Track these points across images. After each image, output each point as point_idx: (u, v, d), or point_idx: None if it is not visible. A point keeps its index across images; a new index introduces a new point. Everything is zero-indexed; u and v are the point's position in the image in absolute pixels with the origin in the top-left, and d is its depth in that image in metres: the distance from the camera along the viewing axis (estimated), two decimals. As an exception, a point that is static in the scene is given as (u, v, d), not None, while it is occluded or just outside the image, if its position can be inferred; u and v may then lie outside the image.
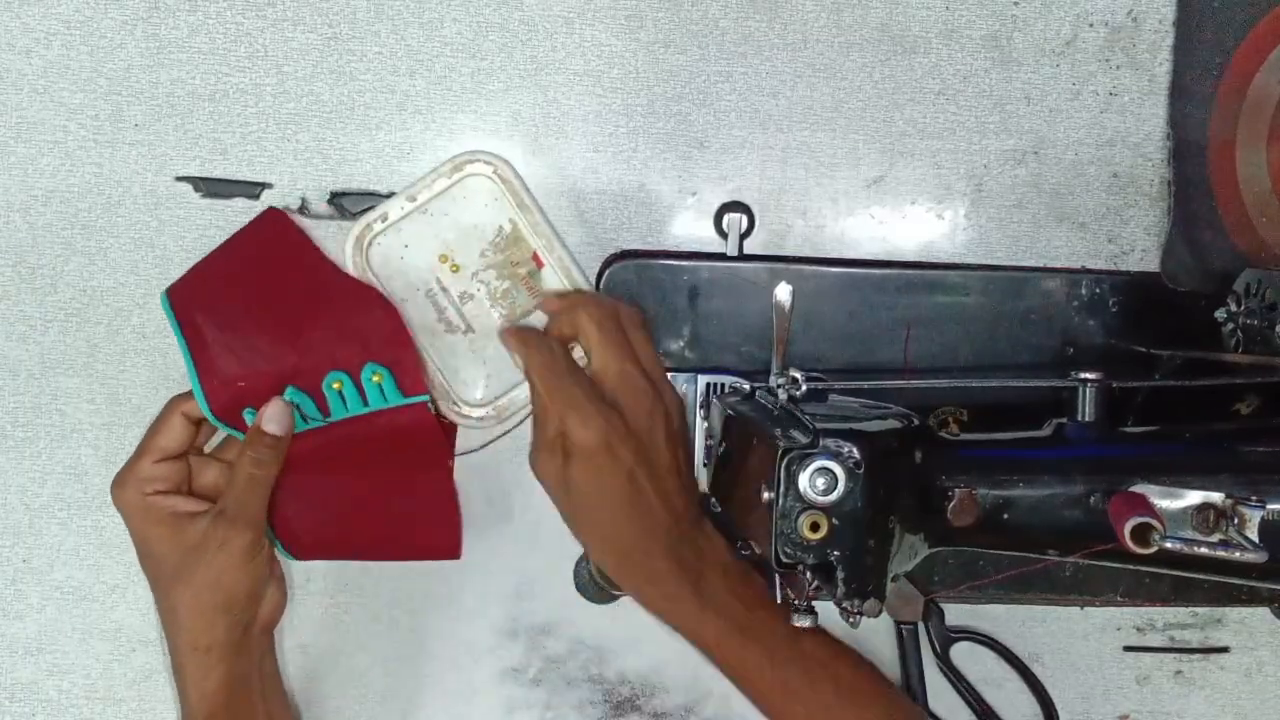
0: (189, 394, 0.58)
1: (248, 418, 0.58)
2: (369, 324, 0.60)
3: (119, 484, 0.58)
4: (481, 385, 0.63)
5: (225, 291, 0.60)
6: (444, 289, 0.63)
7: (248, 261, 0.61)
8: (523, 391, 0.63)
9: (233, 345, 0.59)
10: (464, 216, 0.62)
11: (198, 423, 0.59)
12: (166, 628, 0.58)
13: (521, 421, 0.64)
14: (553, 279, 0.63)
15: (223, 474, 0.60)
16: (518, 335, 0.60)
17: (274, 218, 0.62)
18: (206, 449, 0.62)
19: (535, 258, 0.63)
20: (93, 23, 0.61)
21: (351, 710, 0.66)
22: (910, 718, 0.63)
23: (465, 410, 0.63)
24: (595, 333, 0.58)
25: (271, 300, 0.60)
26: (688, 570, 0.58)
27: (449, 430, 0.63)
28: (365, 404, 0.59)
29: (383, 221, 0.62)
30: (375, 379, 0.59)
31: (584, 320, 0.58)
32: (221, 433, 0.61)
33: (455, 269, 0.63)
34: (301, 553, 0.62)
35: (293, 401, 0.58)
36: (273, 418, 0.58)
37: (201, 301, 0.60)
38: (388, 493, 0.61)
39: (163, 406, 0.59)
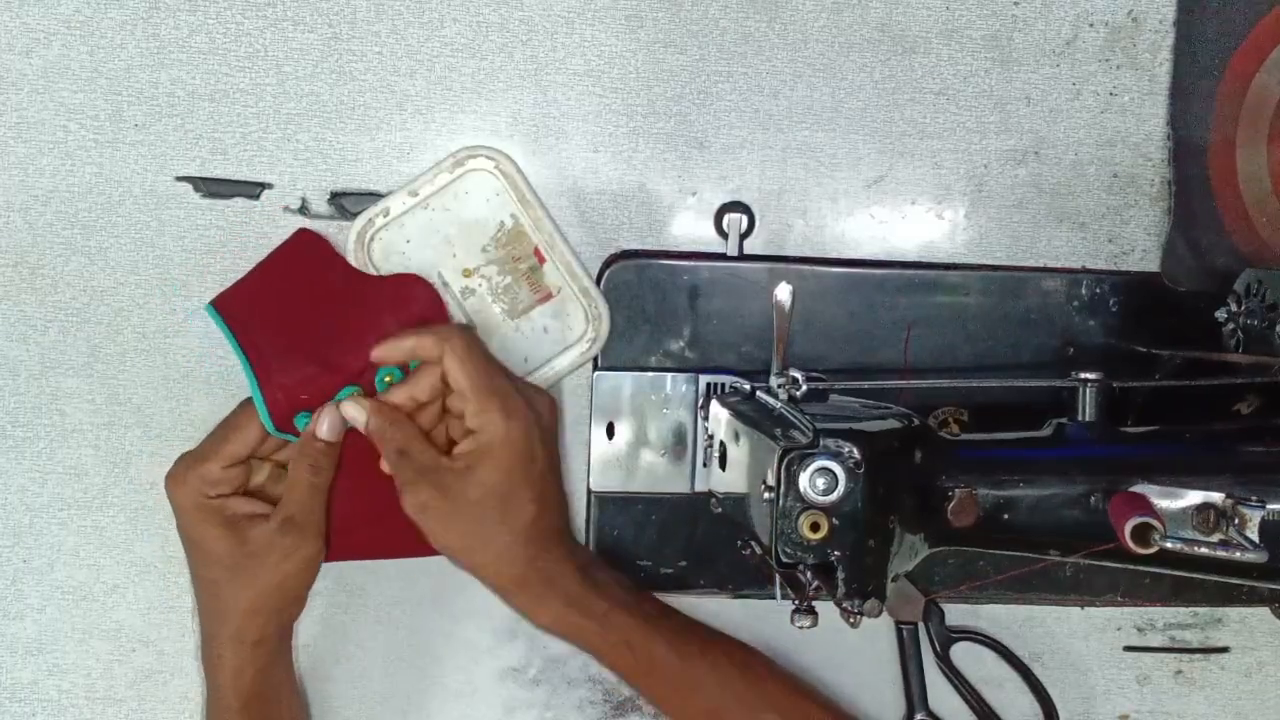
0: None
1: (300, 423, 0.59)
2: (421, 315, 0.61)
3: (180, 481, 0.58)
4: None
5: (272, 303, 0.61)
6: (445, 284, 0.63)
7: (289, 276, 0.62)
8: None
9: (288, 355, 0.59)
10: (466, 212, 0.62)
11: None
12: (209, 618, 0.59)
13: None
14: (554, 275, 0.63)
15: (274, 476, 0.61)
16: (431, 333, 0.58)
17: (308, 239, 0.62)
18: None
19: (537, 253, 0.63)
20: (93, 23, 0.61)
21: (351, 710, 0.66)
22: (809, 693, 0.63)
23: None
24: (468, 355, 0.57)
25: (319, 309, 0.60)
26: (584, 575, 0.59)
27: None
28: None
29: (385, 216, 0.62)
30: None
31: (454, 346, 0.57)
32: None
33: (460, 267, 0.63)
34: (334, 554, 0.61)
35: (350, 395, 0.59)
36: (325, 426, 0.58)
37: (252, 313, 0.60)
38: None
39: (236, 408, 0.60)
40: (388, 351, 0.58)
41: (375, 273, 0.62)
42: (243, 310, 0.61)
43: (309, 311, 0.61)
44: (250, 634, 0.58)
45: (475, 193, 0.62)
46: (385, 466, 0.58)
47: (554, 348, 0.64)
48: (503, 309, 0.63)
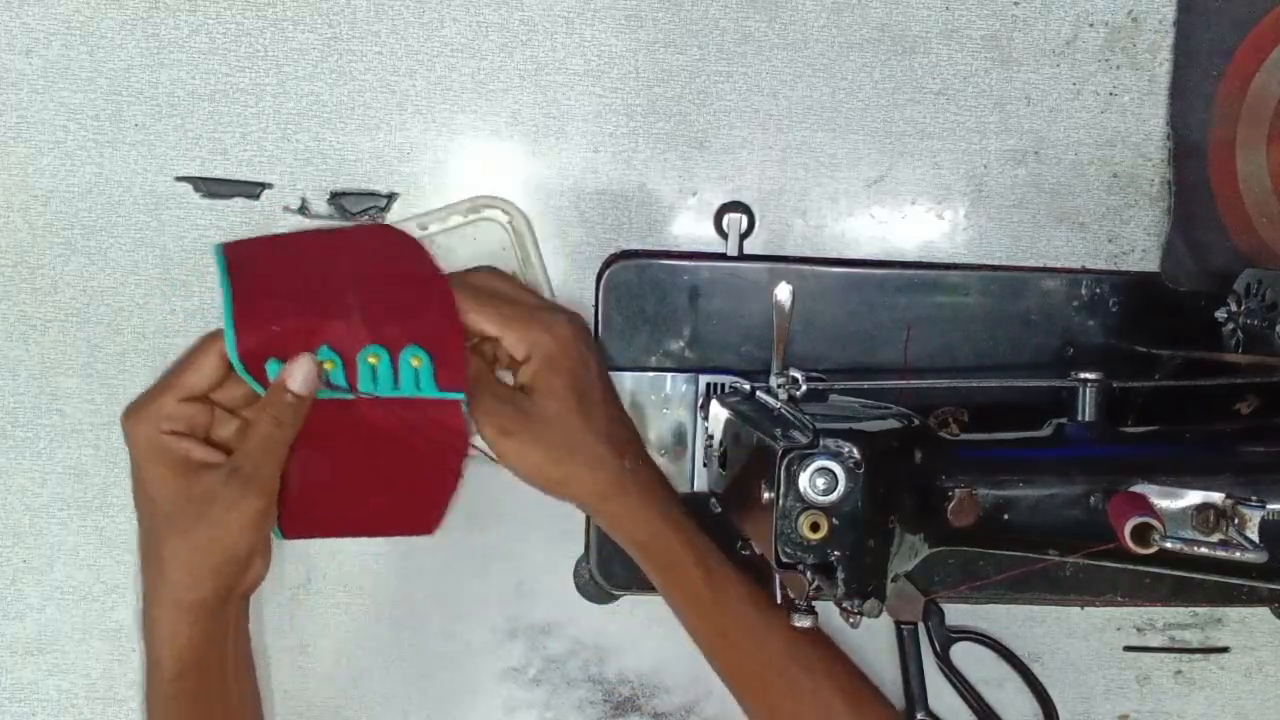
0: (221, 333, 0.55)
1: (271, 371, 0.55)
2: (423, 304, 0.58)
3: (134, 415, 0.55)
4: None
5: (282, 244, 0.60)
6: None
7: (310, 238, 0.61)
8: None
9: (276, 289, 0.56)
10: (469, 257, 0.63)
11: (230, 366, 0.56)
12: (148, 574, 0.56)
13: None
14: None
15: (241, 431, 0.57)
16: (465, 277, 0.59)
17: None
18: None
19: None
20: (93, 23, 0.61)
21: (351, 710, 0.66)
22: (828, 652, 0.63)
23: None
24: (482, 296, 0.58)
25: (328, 257, 0.58)
26: (664, 479, 0.61)
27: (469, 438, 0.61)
28: (396, 387, 0.57)
29: None
30: (414, 362, 0.57)
31: (463, 296, 0.58)
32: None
33: None
34: (292, 530, 0.59)
35: (322, 362, 0.56)
36: (298, 376, 0.55)
37: (256, 251, 0.59)
38: (389, 474, 0.59)
39: (196, 341, 0.57)
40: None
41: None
42: (250, 248, 0.59)
43: (321, 254, 0.59)
44: (188, 594, 0.55)
45: (483, 241, 0.63)
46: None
47: None
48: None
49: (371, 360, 0.56)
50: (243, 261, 0.57)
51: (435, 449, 0.59)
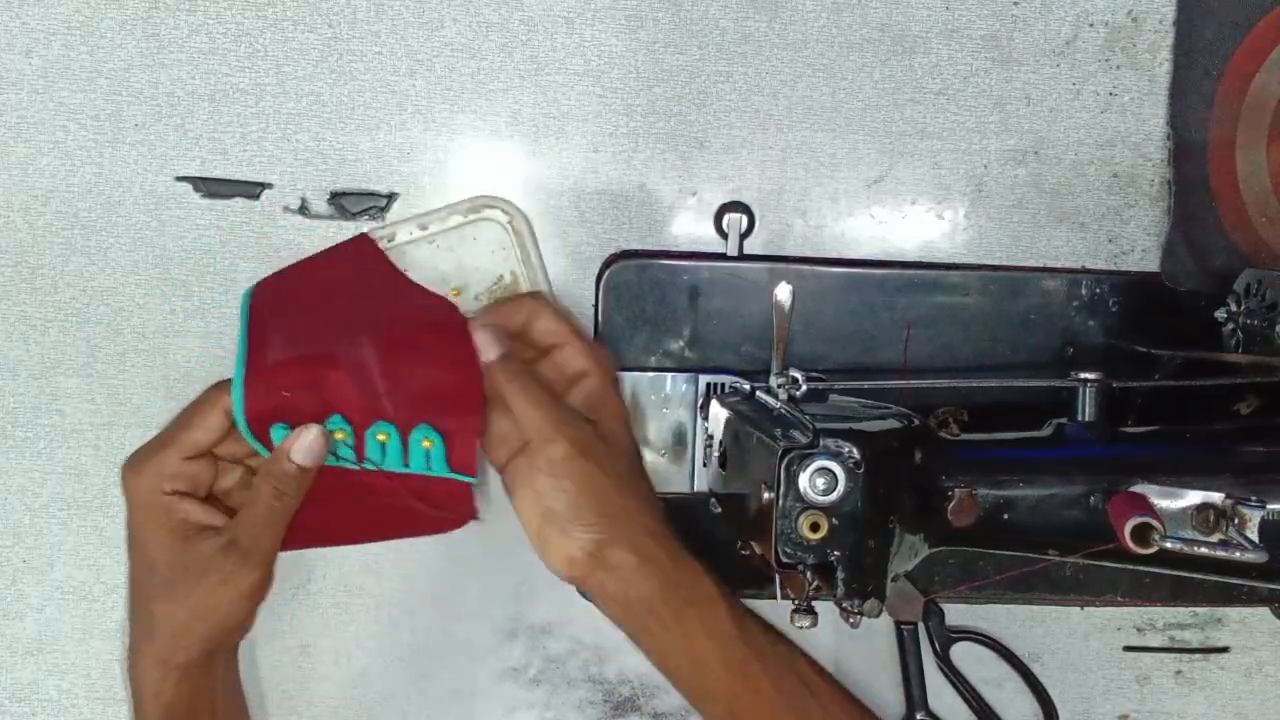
0: (228, 385, 0.55)
1: (276, 436, 0.54)
2: (444, 381, 0.55)
3: (136, 470, 0.54)
4: None
5: (308, 300, 0.58)
6: None
7: (339, 281, 0.59)
8: None
9: (295, 345, 0.55)
10: (469, 257, 0.63)
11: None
12: (136, 629, 0.55)
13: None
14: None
15: (244, 482, 0.57)
16: (502, 364, 0.56)
17: (365, 245, 0.60)
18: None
19: None
20: (93, 23, 0.61)
21: (351, 710, 0.66)
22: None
23: None
24: (591, 352, 0.58)
25: (352, 322, 0.56)
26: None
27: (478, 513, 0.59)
28: (406, 465, 0.55)
29: (389, 242, 0.62)
30: (425, 444, 0.55)
31: (581, 343, 0.58)
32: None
33: (450, 299, 0.62)
34: (290, 542, 0.57)
35: (331, 432, 0.54)
36: (304, 448, 0.53)
37: (282, 303, 0.57)
38: (389, 524, 0.58)
39: (201, 394, 0.56)
40: (485, 336, 0.56)
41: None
42: (277, 297, 0.58)
43: (345, 319, 0.57)
44: (176, 655, 0.54)
45: (483, 241, 0.63)
46: (526, 403, 0.54)
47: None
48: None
49: (381, 438, 0.55)
50: (267, 308, 0.56)
51: (441, 519, 0.57)
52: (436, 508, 0.56)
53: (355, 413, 0.55)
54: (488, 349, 0.55)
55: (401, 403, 0.55)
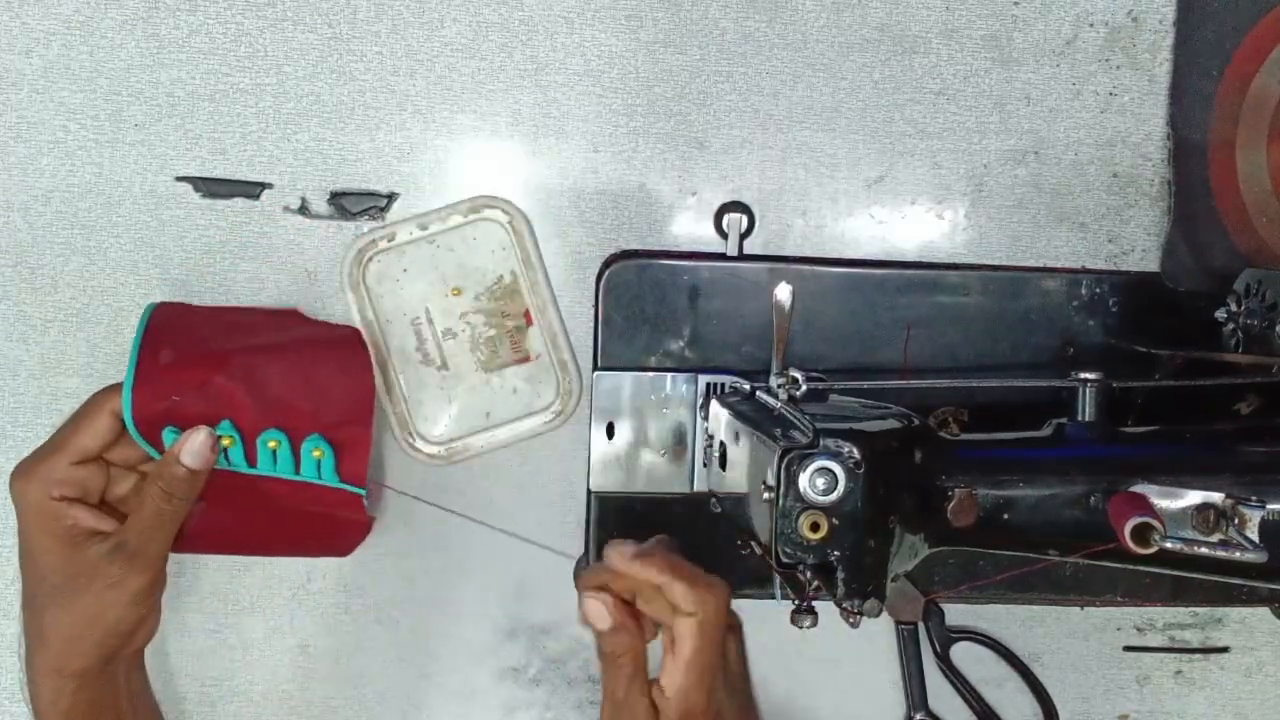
0: (118, 389, 0.54)
1: (167, 439, 0.54)
2: (335, 390, 0.57)
3: (24, 475, 0.53)
4: (443, 423, 0.63)
5: (221, 316, 0.59)
6: (430, 320, 0.63)
7: (246, 313, 0.60)
8: (478, 439, 0.63)
9: (187, 357, 0.55)
10: (469, 257, 0.63)
11: (124, 424, 0.55)
12: (29, 639, 0.54)
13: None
14: (538, 340, 0.63)
15: (137, 489, 0.56)
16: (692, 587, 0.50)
17: (290, 312, 0.61)
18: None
19: (526, 315, 0.63)
20: (93, 23, 0.61)
21: (351, 710, 0.66)
22: None
23: (419, 445, 0.63)
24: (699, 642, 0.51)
25: (248, 333, 0.57)
26: None
27: (369, 523, 0.60)
28: (297, 473, 0.56)
29: (389, 241, 0.62)
30: (316, 454, 0.56)
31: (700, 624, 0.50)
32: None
33: (449, 301, 0.63)
34: (182, 545, 0.57)
35: (220, 437, 0.54)
36: (192, 450, 0.53)
37: (188, 317, 0.58)
38: (290, 530, 0.59)
39: (89, 398, 0.56)
40: (594, 609, 0.51)
41: (365, 293, 0.62)
42: (174, 317, 0.58)
43: (239, 328, 0.58)
44: (69, 664, 0.53)
45: (483, 241, 0.63)
46: (620, 689, 0.51)
47: (518, 410, 0.64)
48: (479, 360, 0.63)
49: (271, 445, 0.56)
50: (166, 324, 0.57)
51: (335, 536, 0.59)
52: (333, 517, 0.57)
53: (246, 419, 0.55)
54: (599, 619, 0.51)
55: (293, 411, 0.56)
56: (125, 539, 0.53)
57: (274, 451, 0.56)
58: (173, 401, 0.54)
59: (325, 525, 0.58)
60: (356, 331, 0.58)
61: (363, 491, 0.57)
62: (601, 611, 0.51)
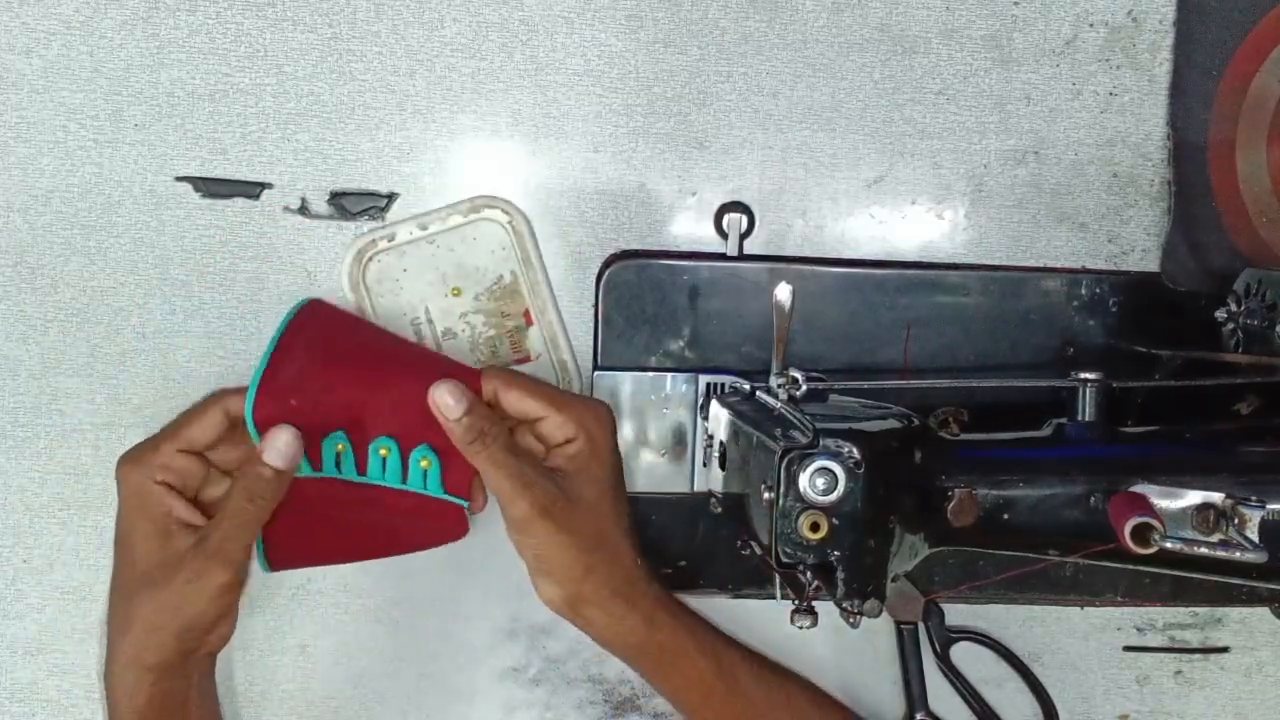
0: (235, 391, 0.56)
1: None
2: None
3: (132, 460, 0.55)
4: None
5: (346, 320, 0.60)
6: (430, 320, 0.63)
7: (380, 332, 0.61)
8: None
9: (309, 367, 0.56)
10: (469, 257, 0.63)
11: (234, 424, 0.56)
12: (113, 628, 0.56)
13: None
14: (538, 340, 0.63)
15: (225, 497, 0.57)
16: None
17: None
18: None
19: (526, 315, 0.63)
20: (93, 23, 0.61)
21: (351, 710, 0.66)
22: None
23: None
24: (520, 380, 0.57)
25: (367, 347, 0.58)
26: (647, 574, 0.59)
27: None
28: (404, 481, 0.57)
29: (389, 241, 0.62)
30: (424, 463, 0.57)
31: (504, 379, 0.57)
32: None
33: (449, 301, 0.63)
34: (279, 563, 0.59)
35: (328, 440, 0.56)
36: (276, 447, 0.54)
37: (330, 321, 0.59)
38: (382, 537, 0.60)
39: (205, 397, 0.58)
40: (446, 393, 0.54)
41: (364, 293, 0.62)
42: (319, 319, 0.59)
43: (363, 345, 0.59)
44: (149, 654, 0.55)
45: (483, 241, 0.63)
46: (487, 464, 0.55)
47: None
48: (479, 360, 0.63)
49: (383, 452, 0.57)
50: (307, 326, 0.58)
51: (434, 534, 0.59)
52: (430, 528, 0.59)
53: (358, 429, 0.56)
54: (449, 409, 0.54)
55: (406, 421, 0.56)
56: (208, 535, 0.54)
57: (384, 459, 0.57)
58: (289, 405, 0.55)
59: (423, 533, 0.59)
60: (478, 372, 0.58)
61: (465, 504, 0.58)
62: (448, 399, 0.54)
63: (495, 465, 0.55)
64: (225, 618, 0.56)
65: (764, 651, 0.63)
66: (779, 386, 0.55)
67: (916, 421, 0.53)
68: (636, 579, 0.58)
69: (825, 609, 0.51)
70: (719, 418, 0.60)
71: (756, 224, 0.64)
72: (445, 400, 0.54)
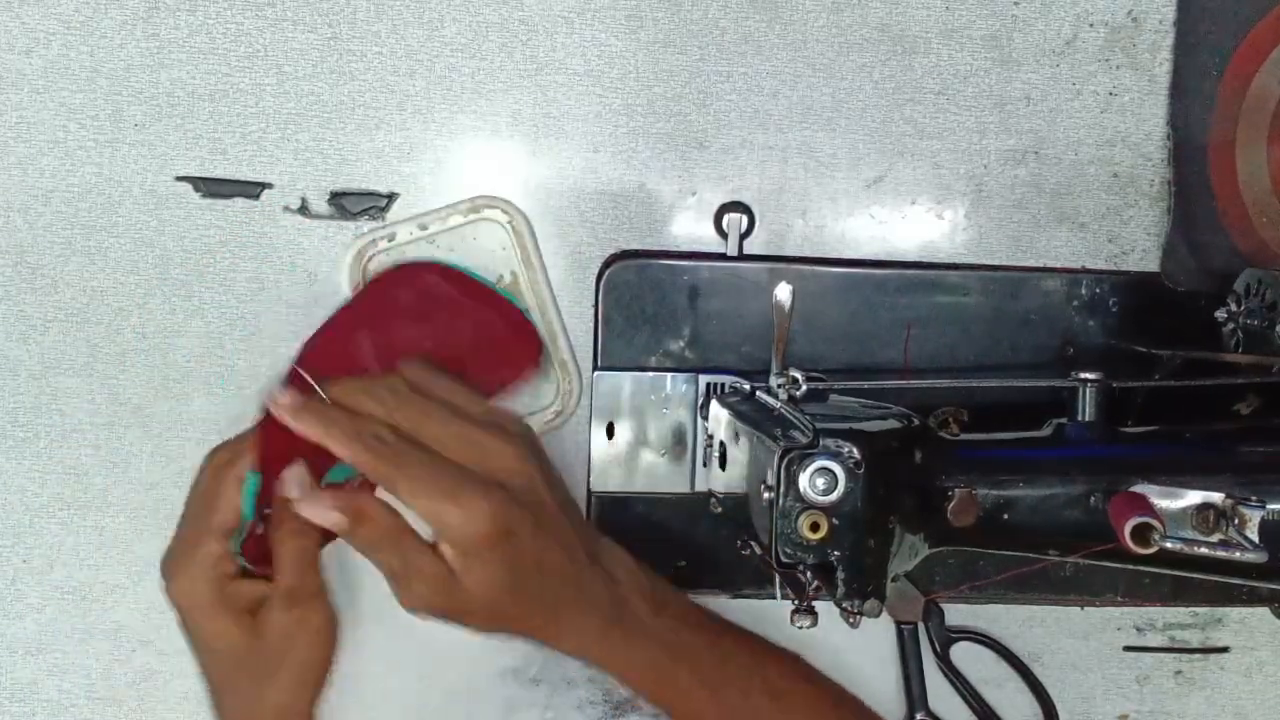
0: (225, 449, 0.54)
1: (248, 485, 0.54)
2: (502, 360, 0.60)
3: (180, 573, 0.52)
4: None
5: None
6: None
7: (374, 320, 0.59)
8: None
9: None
10: (469, 257, 0.63)
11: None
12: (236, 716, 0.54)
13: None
14: None
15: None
16: (312, 420, 0.51)
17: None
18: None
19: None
20: (93, 23, 0.61)
21: (352, 710, 0.66)
22: (845, 708, 0.61)
23: None
24: (397, 473, 0.50)
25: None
26: (611, 605, 0.54)
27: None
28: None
29: (389, 241, 0.62)
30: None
31: (356, 453, 0.50)
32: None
33: None
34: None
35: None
36: (290, 479, 0.52)
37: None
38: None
39: (201, 471, 0.55)
40: (319, 515, 0.50)
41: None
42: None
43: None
44: None
45: (483, 241, 0.63)
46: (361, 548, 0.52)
47: (518, 410, 0.63)
48: None
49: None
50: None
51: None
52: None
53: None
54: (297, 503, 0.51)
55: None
56: (285, 587, 0.52)
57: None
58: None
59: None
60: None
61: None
62: (326, 516, 0.50)
63: (380, 559, 0.51)
64: (330, 656, 0.55)
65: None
66: (779, 386, 0.55)
67: (916, 421, 0.53)
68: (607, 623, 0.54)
69: (825, 609, 0.51)
70: (719, 418, 0.60)
71: (756, 224, 0.64)
72: (328, 520, 0.51)
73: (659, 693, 0.56)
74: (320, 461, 0.52)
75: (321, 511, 0.50)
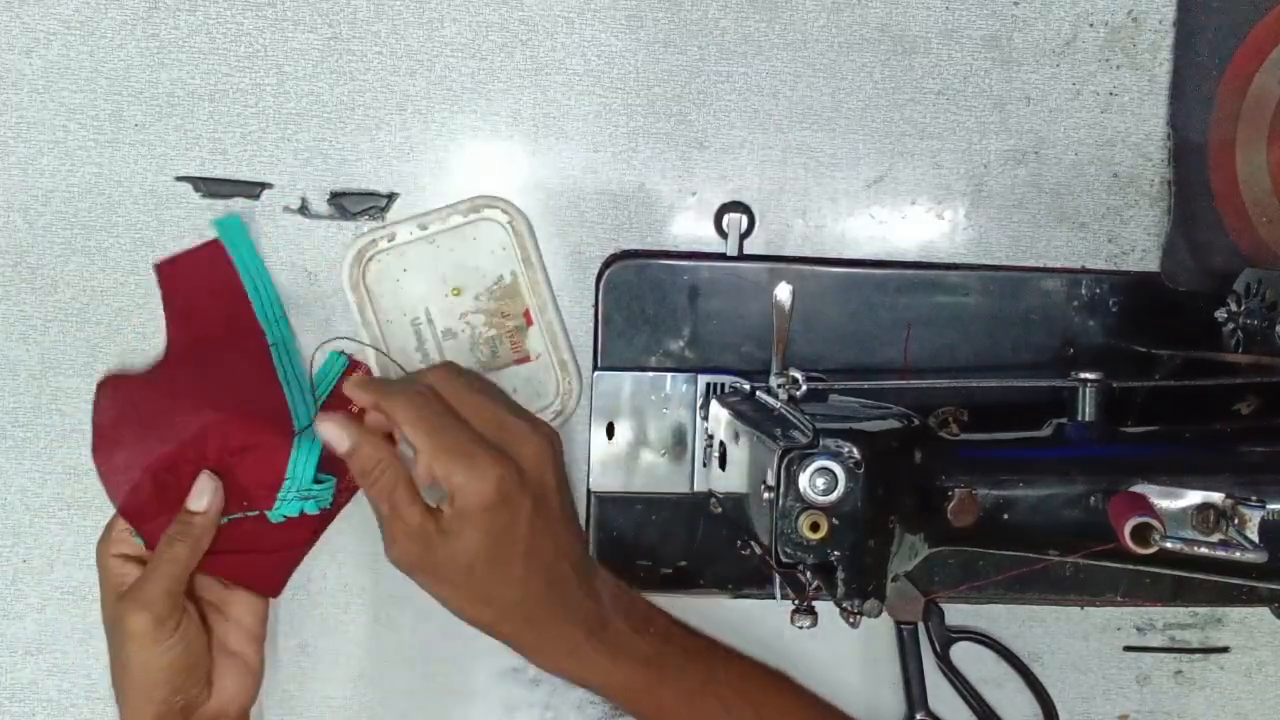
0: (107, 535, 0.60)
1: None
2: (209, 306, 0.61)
3: (101, 539, 0.59)
4: None
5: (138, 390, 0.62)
6: (430, 320, 0.63)
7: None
8: None
9: (133, 450, 0.59)
10: (469, 257, 0.63)
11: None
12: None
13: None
14: (538, 340, 0.63)
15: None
16: (372, 388, 0.55)
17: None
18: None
19: (526, 315, 0.63)
20: (93, 23, 0.61)
21: (352, 710, 0.66)
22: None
23: None
24: (420, 416, 0.53)
25: (172, 409, 0.60)
26: (592, 620, 0.56)
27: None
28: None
29: (389, 241, 0.62)
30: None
31: (400, 409, 0.53)
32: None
33: (449, 301, 0.63)
34: (271, 587, 0.62)
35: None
36: (195, 490, 0.57)
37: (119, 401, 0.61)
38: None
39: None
40: (330, 430, 0.54)
41: (365, 294, 0.62)
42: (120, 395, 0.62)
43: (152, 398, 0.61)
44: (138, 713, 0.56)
45: (483, 241, 0.63)
46: (374, 496, 0.55)
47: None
48: (480, 360, 0.63)
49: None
50: (107, 408, 0.61)
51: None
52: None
53: (204, 449, 0.59)
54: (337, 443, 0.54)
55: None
56: (131, 585, 0.57)
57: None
58: (145, 482, 0.59)
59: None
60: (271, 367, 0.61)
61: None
62: (338, 432, 0.54)
63: (376, 510, 0.55)
64: (187, 668, 0.57)
65: (764, 652, 0.63)
66: (779, 386, 0.55)
67: (916, 421, 0.53)
68: (540, 625, 0.56)
69: (825, 609, 0.51)
70: (719, 418, 0.60)
71: (756, 224, 0.64)
72: (333, 435, 0.54)
73: (642, 709, 0.58)
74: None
75: (334, 428, 0.54)
